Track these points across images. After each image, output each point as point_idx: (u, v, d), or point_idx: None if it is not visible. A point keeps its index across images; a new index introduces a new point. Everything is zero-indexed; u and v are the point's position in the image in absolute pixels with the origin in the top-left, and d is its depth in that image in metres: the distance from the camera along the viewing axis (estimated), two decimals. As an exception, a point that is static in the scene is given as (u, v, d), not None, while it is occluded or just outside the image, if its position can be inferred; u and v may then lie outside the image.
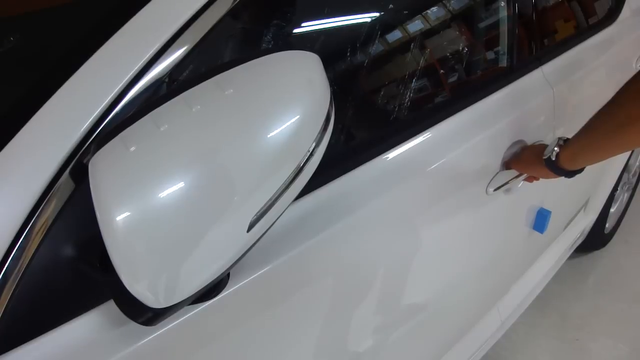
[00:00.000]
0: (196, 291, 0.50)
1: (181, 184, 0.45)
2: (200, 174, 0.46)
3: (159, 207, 0.44)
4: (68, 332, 0.53)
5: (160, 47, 0.57)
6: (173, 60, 0.58)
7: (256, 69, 0.52)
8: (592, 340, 1.82)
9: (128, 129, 0.47)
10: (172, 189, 0.45)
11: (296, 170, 0.52)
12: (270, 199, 0.51)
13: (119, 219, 0.43)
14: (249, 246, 0.53)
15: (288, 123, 0.50)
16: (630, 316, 1.91)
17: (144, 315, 0.50)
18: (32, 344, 0.52)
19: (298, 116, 0.50)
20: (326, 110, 0.54)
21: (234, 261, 0.53)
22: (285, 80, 0.52)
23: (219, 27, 0.63)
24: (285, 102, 0.50)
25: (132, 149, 0.46)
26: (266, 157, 0.49)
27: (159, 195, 0.44)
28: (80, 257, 0.54)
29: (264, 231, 0.54)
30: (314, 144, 0.53)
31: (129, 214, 0.43)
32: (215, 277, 0.51)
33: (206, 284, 0.51)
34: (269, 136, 0.49)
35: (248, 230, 0.50)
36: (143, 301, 0.47)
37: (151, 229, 0.44)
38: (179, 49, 0.59)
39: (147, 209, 0.44)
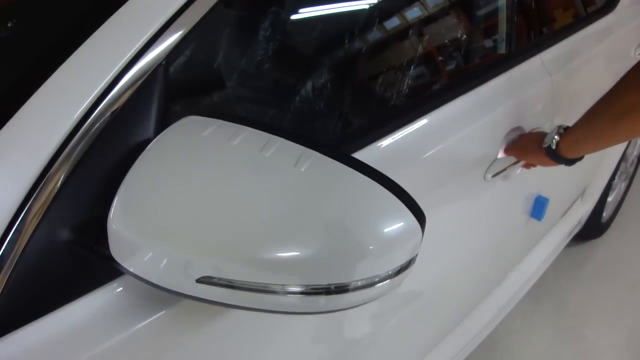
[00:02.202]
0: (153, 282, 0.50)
1: (203, 196, 0.47)
2: (218, 205, 0.47)
3: (173, 192, 0.47)
4: (65, 316, 0.53)
5: (156, 30, 0.57)
6: (170, 44, 0.58)
7: (349, 176, 0.48)
8: (589, 328, 1.84)
9: (215, 119, 0.52)
10: (194, 193, 0.47)
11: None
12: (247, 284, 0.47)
13: (148, 169, 0.49)
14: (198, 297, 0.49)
15: (321, 242, 0.46)
16: (627, 304, 1.92)
17: (102, 256, 0.51)
18: (29, 328, 0.52)
19: (342, 247, 0.46)
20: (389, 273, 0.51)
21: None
22: (365, 206, 0.48)
23: (216, 11, 0.63)
24: (347, 221, 0.46)
25: (204, 133, 0.50)
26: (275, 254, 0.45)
27: (184, 185, 0.48)
28: (78, 240, 0.53)
29: (215, 300, 0.49)
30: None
31: (153, 175, 0.49)
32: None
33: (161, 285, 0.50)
34: (288, 240, 0.45)
35: (198, 281, 0.47)
36: (110, 241, 0.49)
37: (161, 199, 0.47)
38: (175, 32, 0.58)
39: (165, 186, 0.48)
